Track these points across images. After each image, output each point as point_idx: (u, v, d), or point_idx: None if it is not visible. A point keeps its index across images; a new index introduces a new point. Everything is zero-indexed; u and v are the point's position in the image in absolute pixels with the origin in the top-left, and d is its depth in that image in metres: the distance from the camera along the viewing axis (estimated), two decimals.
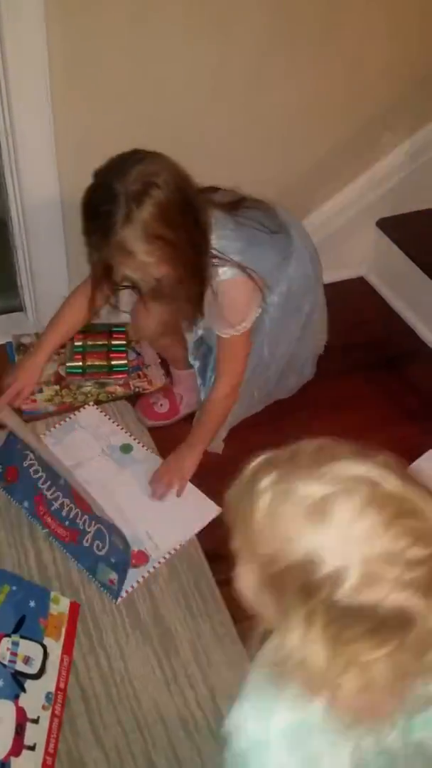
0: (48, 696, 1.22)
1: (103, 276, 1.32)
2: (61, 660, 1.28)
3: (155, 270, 1.23)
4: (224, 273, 1.30)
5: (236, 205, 1.36)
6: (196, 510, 1.53)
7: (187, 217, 1.20)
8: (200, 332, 1.46)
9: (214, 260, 1.29)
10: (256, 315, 1.39)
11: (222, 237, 1.30)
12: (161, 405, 1.72)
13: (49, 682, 1.24)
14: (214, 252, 1.28)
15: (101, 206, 1.15)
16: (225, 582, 1.42)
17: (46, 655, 1.26)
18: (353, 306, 2.07)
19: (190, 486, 1.56)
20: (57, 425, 1.69)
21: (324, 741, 0.61)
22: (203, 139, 1.66)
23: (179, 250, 1.20)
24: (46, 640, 1.28)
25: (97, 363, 1.80)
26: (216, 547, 1.48)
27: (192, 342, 1.54)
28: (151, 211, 1.14)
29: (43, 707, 1.21)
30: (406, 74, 1.77)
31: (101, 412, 1.73)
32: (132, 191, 1.13)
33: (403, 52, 1.73)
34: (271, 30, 1.57)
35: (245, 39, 1.55)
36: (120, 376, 1.79)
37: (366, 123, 1.83)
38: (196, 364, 1.59)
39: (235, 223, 1.33)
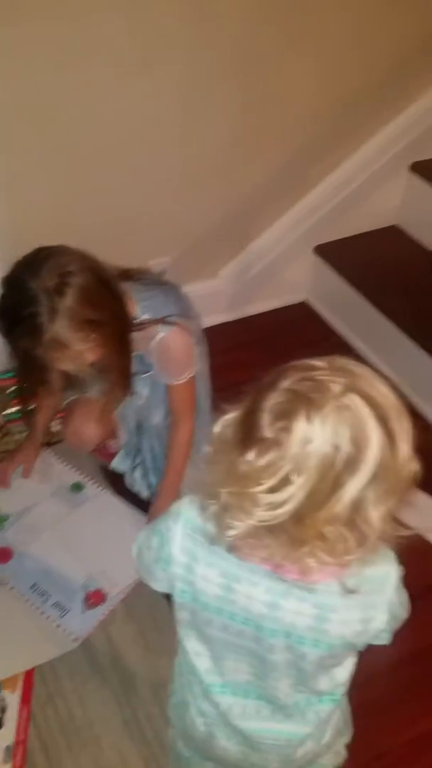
0: (7, 749, 1.21)
1: (39, 382, 1.29)
2: (20, 712, 1.26)
3: (91, 355, 1.23)
4: (159, 332, 1.33)
5: (129, 273, 1.38)
6: None
7: (107, 295, 1.22)
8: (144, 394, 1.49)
9: (144, 325, 1.32)
10: (197, 358, 1.43)
11: (141, 301, 1.33)
12: (112, 444, 1.73)
13: (8, 735, 1.23)
14: (141, 318, 1.31)
15: (22, 310, 1.14)
16: None
17: (3, 708, 1.25)
18: (296, 329, 2.12)
19: (144, 520, 1.56)
20: None
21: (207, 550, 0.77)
22: (138, 176, 1.70)
23: (109, 328, 1.21)
24: (3, 693, 1.27)
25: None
26: None
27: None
28: (74, 299, 1.15)
29: (3, 761, 1.19)
30: (331, 108, 1.84)
31: (49, 452, 1.73)
32: (50, 286, 1.13)
33: (328, 87, 1.80)
34: (196, 67, 1.60)
35: (172, 75, 1.58)
36: (62, 415, 1.78)
37: (296, 155, 1.89)
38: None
39: (143, 287, 1.36)
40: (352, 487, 0.65)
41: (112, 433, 1.68)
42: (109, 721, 1.28)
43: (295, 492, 0.65)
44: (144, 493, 1.65)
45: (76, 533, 1.55)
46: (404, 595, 0.82)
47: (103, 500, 1.62)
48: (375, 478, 0.65)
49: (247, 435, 0.68)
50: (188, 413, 1.48)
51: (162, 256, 1.85)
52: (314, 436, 0.64)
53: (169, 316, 1.34)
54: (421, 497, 1.66)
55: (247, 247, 2.07)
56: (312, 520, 0.66)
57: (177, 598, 0.83)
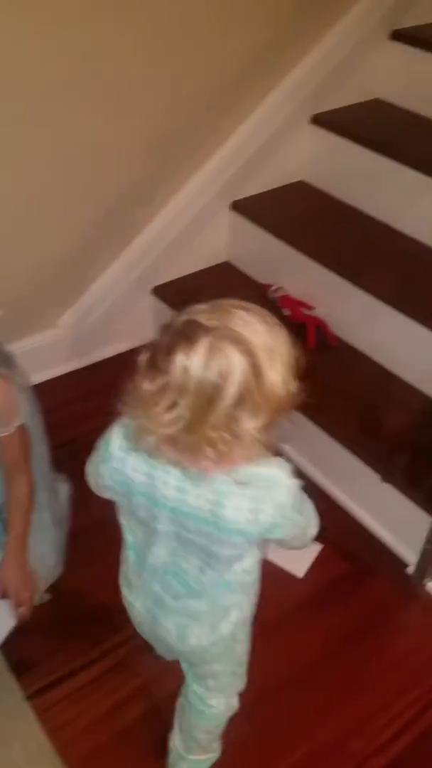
0: None
1: None
2: None
3: None
4: None
5: None
6: None
7: None
8: None
9: None
10: (24, 405, 1.37)
11: None
12: None
13: None
14: None
15: None
16: (36, 694, 1.37)
17: None
18: None
19: None
20: None
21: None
22: None
23: None
24: None
25: None
26: (25, 658, 1.41)
27: None
28: None
29: None
30: (149, 151, 1.86)
31: None
32: None
33: (145, 131, 1.82)
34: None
35: None
36: None
37: (118, 201, 1.90)
38: None
39: None
40: (222, 406, 0.84)
41: None
42: None
43: (182, 411, 0.84)
44: None
45: None
46: (306, 505, 0.99)
47: None
48: (241, 399, 0.84)
49: (146, 368, 0.87)
50: (24, 466, 1.40)
51: None
52: (190, 367, 0.82)
53: None
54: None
55: (86, 291, 2.05)
56: (199, 430, 0.85)
57: (116, 487, 1.01)
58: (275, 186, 2.16)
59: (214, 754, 1.29)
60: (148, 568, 1.05)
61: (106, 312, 2.07)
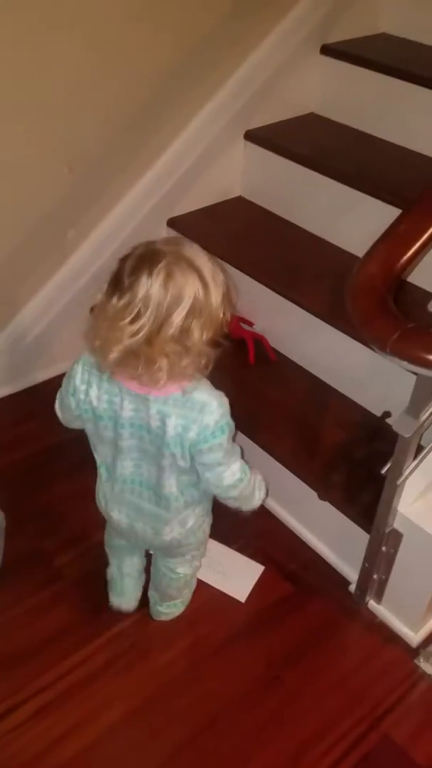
0: None
1: None
2: None
3: None
4: None
5: None
6: None
7: None
8: None
9: None
10: None
11: None
12: None
13: None
14: None
15: None
16: None
17: None
18: None
19: None
20: None
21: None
22: None
23: None
24: None
25: None
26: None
27: None
28: None
29: None
30: (75, 170, 1.83)
31: None
32: None
33: (78, 149, 1.79)
34: None
35: None
36: None
37: (49, 220, 1.86)
38: None
39: None
40: (178, 317, 1.03)
41: None
42: None
43: (144, 322, 1.02)
44: None
45: None
46: (234, 449, 1.20)
47: None
48: (192, 311, 1.03)
49: (113, 287, 1.05)
50: None
51: None
52: (152, 285, 1.01)
53: None
54: (228, 555, 1.67)
55: (19, 313, 2.00)
56: (158, 341, 1.04)
57: (84, 415, 1.20)
58: (210, 203, 2.14)
59: (184, 599, 1.54)
60: (119, 479, 1.26)
61: (43, 332, 2.03)
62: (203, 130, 1.99)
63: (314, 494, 1.61)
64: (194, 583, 1.55)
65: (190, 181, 2.05)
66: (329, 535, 1.69)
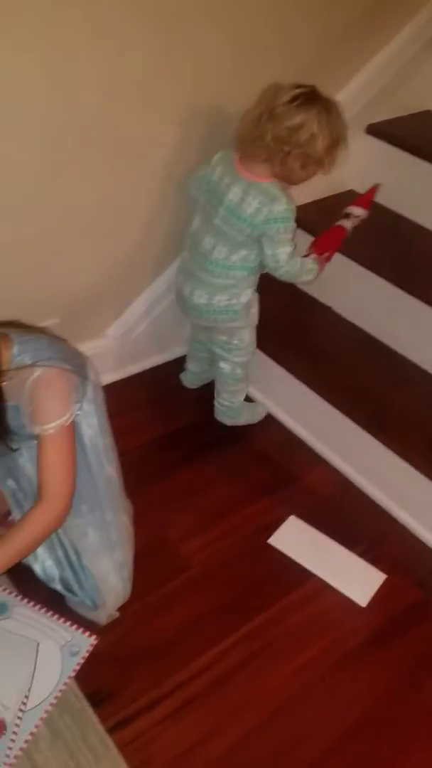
0: None
1: None
2: None
3: None
4: (33, 374, 1.20)
5: (12, 322, 1.30)
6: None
7: None
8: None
9: (22, 370, 1.20)
10: (76, 408, 1.25)
11: (20, 344, 1.22)
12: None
13: None
14: (16, 361, 1.20)
15: None
16: (118, 726, 1.30)
17: None
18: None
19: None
20: None
21: None
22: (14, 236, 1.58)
23: None
24: None
25: None
26: (99, 688, 1.34)
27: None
28: None
29: None
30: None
31: None
32: None
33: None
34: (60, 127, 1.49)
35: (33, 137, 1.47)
36: None
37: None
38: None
39: (19, 333, 1.25)
40: (294, 137, 1.46)
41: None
42: None
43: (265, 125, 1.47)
44: None
45: None
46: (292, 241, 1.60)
47: None
48: (300, 142, 1.47)
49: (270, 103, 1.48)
50: (60, 491, 1.22)
51: (51, 317, 1.70)
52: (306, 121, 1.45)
53: (49, 358, 1.21)
54: (350, 558, 1.65)
55: (135, 301, 1.99)
56: (267, 136, 1.47)
57: (201, 195, 1.65)
58: (321, 196, 2.10)
59: (231, 403, 1.91)
60: (198, 254, 1.65)
61: (154, 321, 2.03)
62: None
63: None
64: (242, 395, 1.92)
65: None
66: None
